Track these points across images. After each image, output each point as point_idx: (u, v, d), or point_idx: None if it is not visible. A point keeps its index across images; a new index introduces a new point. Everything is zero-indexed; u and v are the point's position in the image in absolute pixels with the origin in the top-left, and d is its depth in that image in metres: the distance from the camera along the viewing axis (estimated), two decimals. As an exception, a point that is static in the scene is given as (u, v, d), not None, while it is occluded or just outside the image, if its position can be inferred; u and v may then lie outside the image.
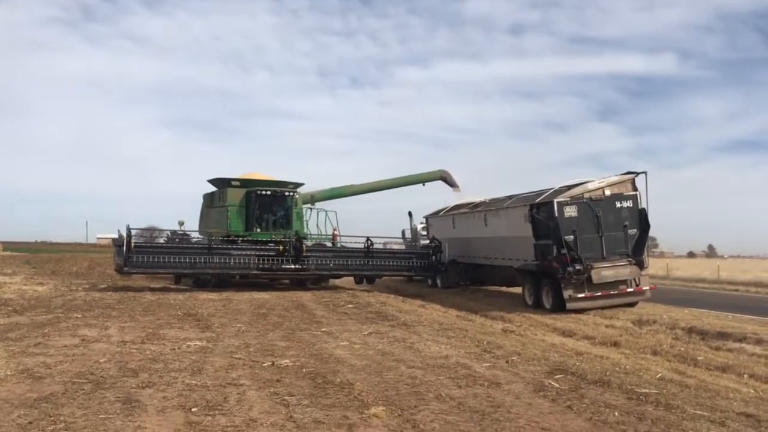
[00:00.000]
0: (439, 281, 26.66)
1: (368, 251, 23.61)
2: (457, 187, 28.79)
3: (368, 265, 23.66)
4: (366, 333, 12.18)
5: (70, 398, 6.55)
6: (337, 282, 26.95)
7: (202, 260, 21.46)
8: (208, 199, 27.19)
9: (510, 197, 22.15)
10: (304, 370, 8.33)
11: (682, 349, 12.71)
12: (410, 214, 31.00)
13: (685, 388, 8.24)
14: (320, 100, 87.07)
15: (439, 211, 27.52)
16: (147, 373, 7.91)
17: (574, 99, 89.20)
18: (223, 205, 25.01)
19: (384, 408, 6.45)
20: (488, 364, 9.19)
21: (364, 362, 9.06)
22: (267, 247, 22.56)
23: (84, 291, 20.28)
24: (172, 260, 21.20)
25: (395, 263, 24.28)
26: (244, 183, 24.74)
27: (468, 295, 23.69)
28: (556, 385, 7.83)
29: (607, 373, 8.78)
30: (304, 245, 22.56)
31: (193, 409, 6.24)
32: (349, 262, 23.51)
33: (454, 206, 27.64)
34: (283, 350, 9.95)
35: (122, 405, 6.34)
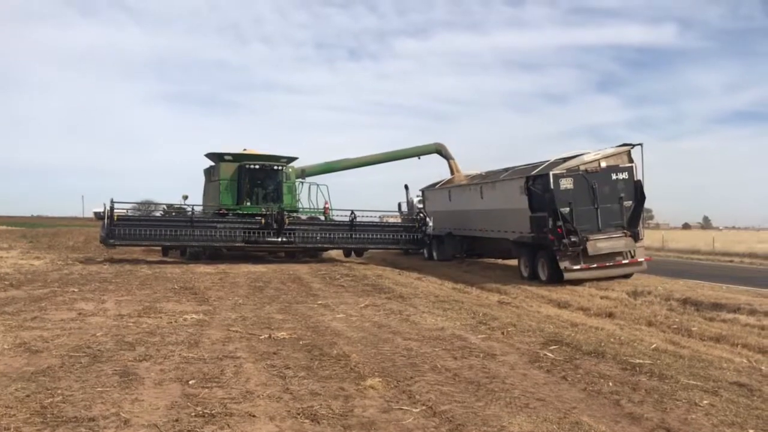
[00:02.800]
0: (435, 254, 26.76)
1: (352, 224, 23.66)
2: (453, 159, 28.71)
3: (353, 238, 23.73)
4: (362, 306, 12.24)
5: (67, 371, 6.57)
6: (333, 254, 27.07)
7: (186, 233, 21.60)
8: (207, 173, 27.27)
9: (506, 170, 22.14)
10: (300, 343, 8.37)
11: (677, 320, 12.81)
12: (406, 187, 30.97)
13: (679, 358, 8.32)
14: (318, 73, 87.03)
15: (436, 184, 27.50)
16: (144, 346, 7.94)
17: (574, 70, 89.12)
18: (217, 179, 25.19)
19: (380, 380, 6.50)
20: (483, 336, 9.25)
21: (360, 334, 9.11)
22: (253, 220, 22.64)
23: (80, 265, 20.30)
24: (155, 233, 21.33)
25: (380, 236, 24.24)
26: (236, 157, 24.77)
27: (464, 267, 23.79)
28: (551, 356, 7.89)
29: (602, 344, 8.84)
30: (286, 218, 22.60)
31: (190, 382, 6.28)
32: (334, 236, 23.60)
33: (449, 179, 27.65)
34: (279, 323, 10.00)
35: (119, 378, 6.37)
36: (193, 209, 22.53)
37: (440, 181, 27.47)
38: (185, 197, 24.69)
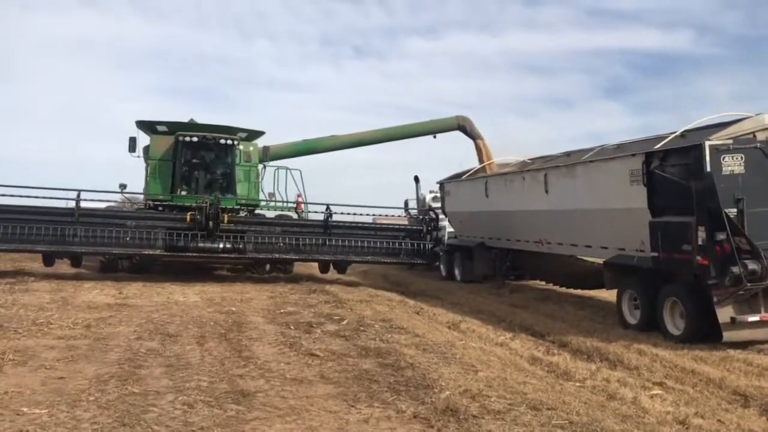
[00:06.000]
0: (458, 272, 18.83)
1: (327, 225, 15.90)
2: (482, 139, 20.85)
3: (329, 245, 15.85)
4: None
5: None
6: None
7: (69, 233, 14.03)
8: (144, 152, 19.32)
9: (584, 150, 14.24)
10: None
11: None
12: (416, 179, 22.98)
13: None
14: (322, 71, 78.93)
15: (461, 175, 19.47)
16: None
17: (582, 75, 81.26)
18: (147, 159, 17.54)
19: None
20: None
21: None
22: (182, 216, 14.93)
23: None
24: (11, 231, 13.68)
25: (371, 244, 16.21)
26: (173, 128, 16.90)
27: (507, 297, 15.78)
28: None
29: None
30: (223, 214, 15.00)
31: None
32: (302, 241, 15.66)
33: (479, 168, 19.74)
34: None
35: None
36: (79, 195, 14.46)
37: (466, 171, 19.45)
38: (123, 186, 16.94)
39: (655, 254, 10.72)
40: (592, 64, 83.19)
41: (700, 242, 9.72)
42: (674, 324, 10.47)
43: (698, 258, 9.74)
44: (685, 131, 11.60)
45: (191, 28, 76.39)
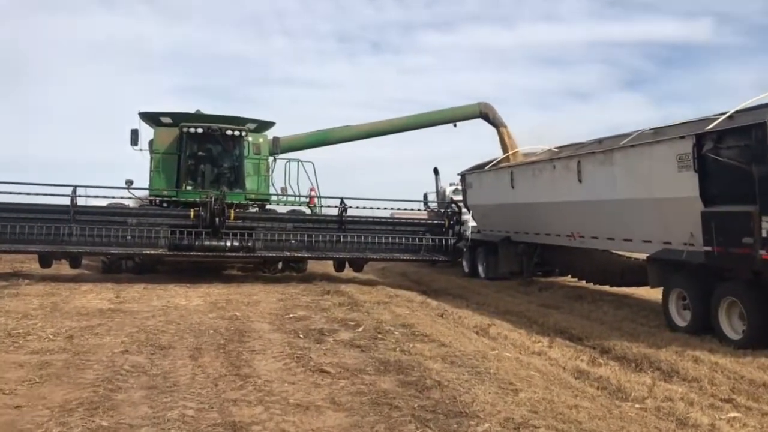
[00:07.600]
0: (482, 269, 17.69)
1: (341, 220, 14.95)
2: (505, 126, 19.63)
3: (344, 242, 14.85)
4: None
5: None
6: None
7: (64, 232, 13.09)
8: (150, 145, 18.37)
9: (618, 137, 12.98)
10: None
11: None
12: (436, 170, 21.87)
13: None
14: (339, 67, 77.71)
15: (483, 165, 18.28)
16: None
17: (601, 67, 79.17)
18: (151, 153, 16.60)
19: None
20: None
21: None
22: (186, 213, 14.00)
23: None
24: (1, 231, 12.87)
25: (389, 240, 15.15)
26: (178, 119, 15.91)
27: (536, 295, 14.63)
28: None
29: None
30: (229, 210, 14.07)
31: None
32: (315, 238, 14.66)
33: (502, 158, 18.52)
34: None
35: None
36: (74, 192, 13.56)
37: (489, 161, 18.26)
38: (129, 182, 15.95)
39: (709, 248, 9.50)
40: (610, 55, 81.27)
41: (764, 234, 8.51)
42: (732, 327, 9.27)
43: (762, 252, 8.52)
44: (735, 112, 10.34)
45: (208, 28, 75.44)
